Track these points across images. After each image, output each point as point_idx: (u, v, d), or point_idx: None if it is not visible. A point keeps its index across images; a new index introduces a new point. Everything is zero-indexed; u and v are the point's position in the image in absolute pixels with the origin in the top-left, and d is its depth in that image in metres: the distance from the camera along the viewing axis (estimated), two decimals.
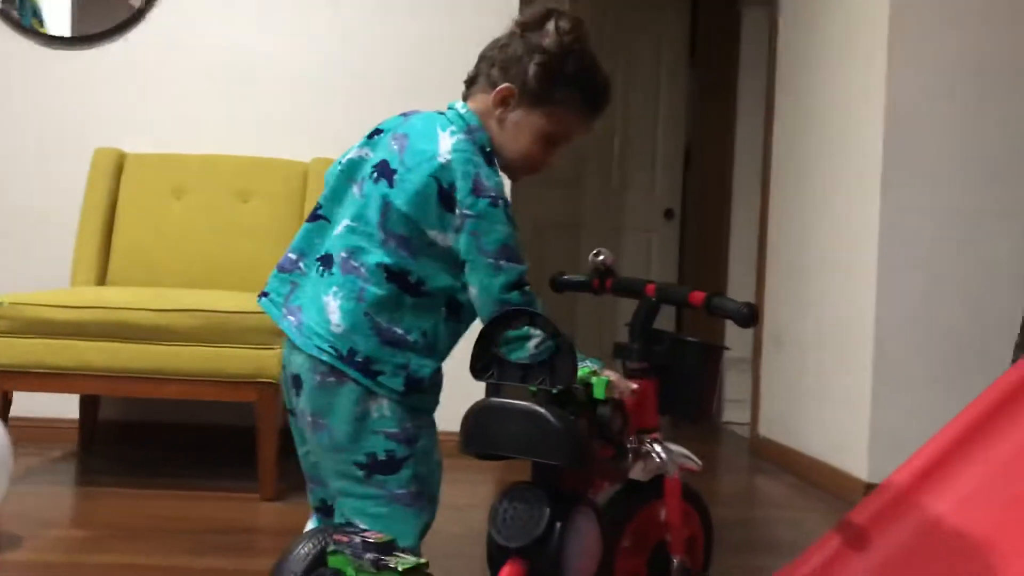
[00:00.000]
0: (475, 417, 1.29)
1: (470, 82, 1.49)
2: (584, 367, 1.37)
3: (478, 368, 1.30)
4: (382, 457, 1.37)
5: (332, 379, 1.36)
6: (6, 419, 2.53)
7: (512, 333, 1.29)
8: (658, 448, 1.50)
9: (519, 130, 1.43)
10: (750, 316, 1.44)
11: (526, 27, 1.43)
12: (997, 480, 1.79)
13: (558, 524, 1.26)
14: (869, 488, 2.60)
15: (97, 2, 3.29)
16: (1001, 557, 1.62)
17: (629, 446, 1.44)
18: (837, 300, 3.11)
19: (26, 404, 2.81)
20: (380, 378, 1.35)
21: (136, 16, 3.30)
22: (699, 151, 5.04)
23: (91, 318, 2.55)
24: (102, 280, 3.07)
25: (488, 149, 1.41)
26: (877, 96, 2.87)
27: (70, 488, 2.74)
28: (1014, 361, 2.17)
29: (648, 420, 1.52)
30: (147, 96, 3.32)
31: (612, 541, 1.50)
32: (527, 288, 1.35)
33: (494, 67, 1.44)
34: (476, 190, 1.35)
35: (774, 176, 3.77)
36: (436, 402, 1.43)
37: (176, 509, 2.45)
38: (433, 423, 1.43)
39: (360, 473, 1.37)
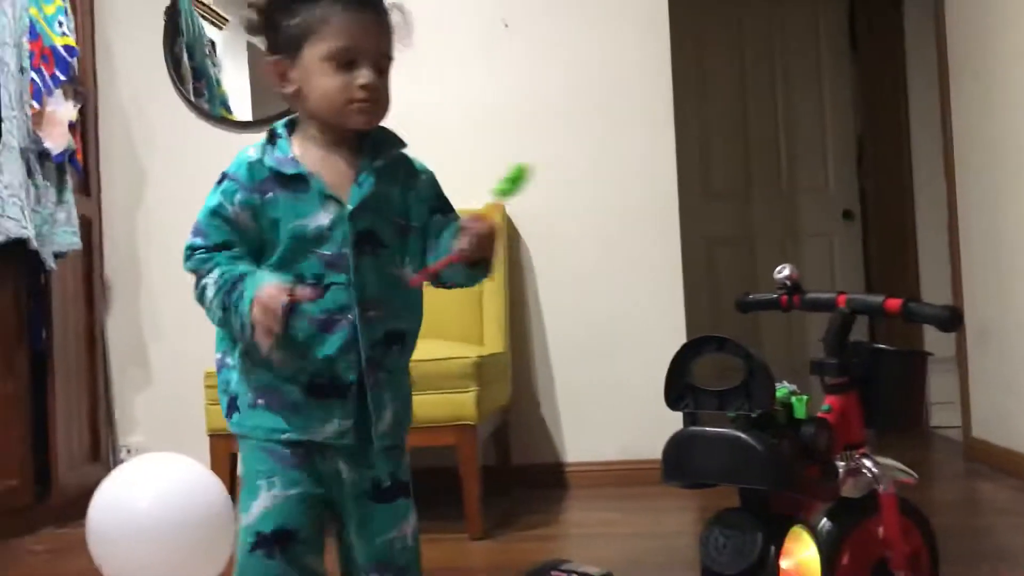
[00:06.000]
0: (676, 447, 1.30)
1: None
2: (781, 387, 1.36)
3: (672, 398, 1.31)
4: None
5: None
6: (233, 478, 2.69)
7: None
8: (868, 463, 1.45)
9: (307, 79, 1.34)
10: (952, 320, 1.39)
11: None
12: None
13: (772, 548, 1.25)
14: None
15: (269, 86, 3.54)
16: None
17: (838, 463, 1.41)
18: None
19: None
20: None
21: None
22: (872, 144, 4.81)
23: None
24: None
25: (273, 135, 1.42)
26: None
27: None
28: None
29: (854, 435, 1.48)
30: None
31: (831, 560, 1.46)
32: (195, 256, 1.34)
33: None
34: None
35: (959, 162, 3.58)
36: (276, 421, 1.30)
37: None
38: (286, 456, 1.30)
39: None
